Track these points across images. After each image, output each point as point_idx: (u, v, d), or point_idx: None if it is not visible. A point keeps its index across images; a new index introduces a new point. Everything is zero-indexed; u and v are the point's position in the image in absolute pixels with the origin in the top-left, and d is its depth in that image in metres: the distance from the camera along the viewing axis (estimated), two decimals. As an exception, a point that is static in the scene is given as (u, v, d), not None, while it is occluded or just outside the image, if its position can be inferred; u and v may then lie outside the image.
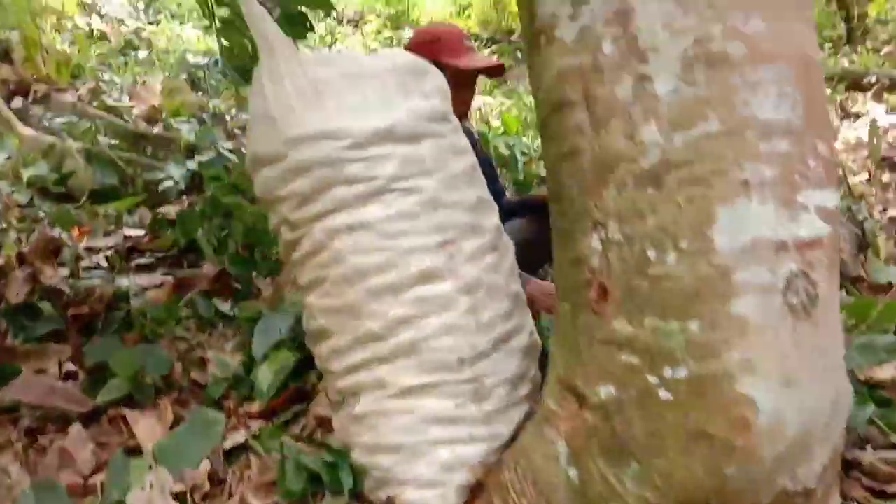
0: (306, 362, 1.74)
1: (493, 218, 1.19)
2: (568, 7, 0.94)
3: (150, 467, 1.39)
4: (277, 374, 1.72)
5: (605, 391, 0.94)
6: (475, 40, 7.21)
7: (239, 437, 1.51)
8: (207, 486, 1.37)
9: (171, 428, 1.55)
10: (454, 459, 1.10)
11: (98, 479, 1.42)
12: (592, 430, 0.96)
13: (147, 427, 1.54)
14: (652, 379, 0.88)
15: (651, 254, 0.88)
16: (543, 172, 3.21)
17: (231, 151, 3.24)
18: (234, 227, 2.52)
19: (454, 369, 1.10)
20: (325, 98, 1.08)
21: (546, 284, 1.76)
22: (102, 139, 2.87)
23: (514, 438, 1.16)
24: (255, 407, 1.67)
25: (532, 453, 1.06)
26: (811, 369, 0.86)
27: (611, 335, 0.94)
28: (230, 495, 1.34)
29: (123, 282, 2.24)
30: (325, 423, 1.57)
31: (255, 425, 1.58)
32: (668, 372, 0.87)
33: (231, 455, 1.48)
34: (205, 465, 1.41)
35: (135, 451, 1.49)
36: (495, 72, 1.93)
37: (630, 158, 0.89)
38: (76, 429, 1.54)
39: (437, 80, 1.20)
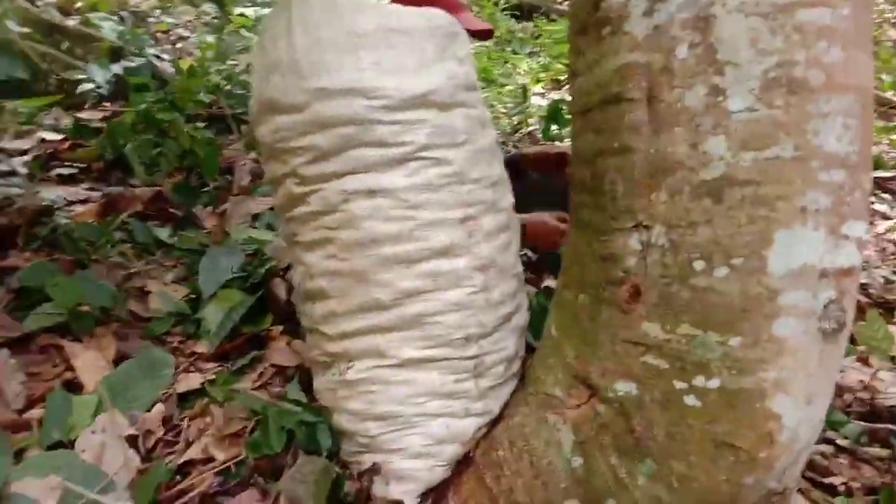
0: (259, 306, 1.67)
1: (509, 196, 1.17)
2: (643, 2, 0.92)
3: (98, 407, 1.30)
4: (228, 314, 1.64)
5: (625, 388, 0.96)
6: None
7: (192, 381, 1.43)
8: (161, 432, 1.30)
9: (115, 364, 1.44)
10: (447, 433, 1.10)
11: (33, 414, 1.31)
12: (605, 424, 0.98)
13: (88, 361, 1.43)
14: (679, 384, 0.91)
15: (698, 265, 0.89)
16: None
17: (158, 58, 2.99)
18: (168, 146, 2.35)
19: (459, 346, 1.09)
20: (362, 52, 1.00)
21: (546, 217, 1.73)
22: (12, 26, 2.56)
23: (500, 415, 1.17)
24: (201, 347, 1.59)
25: (531, 436, 1.07)
26: (827, 388, 0.91)
27: (638, 336, 0.95)
28: (188, 443, 1.28)
29: (45, 193, 2.04)
30: (282, 373, 1.53)
31: (206, 369, 1.51)
32: (699, 380, 0.89)
33: (183, 399, 1.40)
34: (157, 410, 1.33)
35: (74, 386, 1.38)
36: (484, 35, 1.86)
37: (690, 168, 0.89)
38: (3, 356, 1.41)
39: (468, 45, 1.14)
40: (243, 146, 2.48)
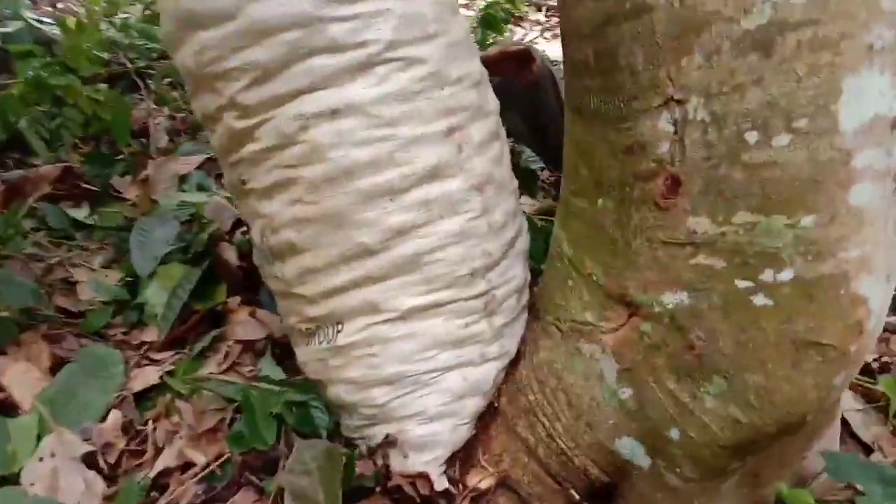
0: (208, 278, 1.46)
1: (493, 97, 0.98)
2: None
3: (40, 427, 1.08)
4: (173, 293, 1.43)
5: (674, 299, 0.81)
6: None
7: (148, 375, 1.22)
8: (123, 443, 1.10)
9: (52, 373, 1.22)
10: (465, 385, 0.94)
11: (-38, 449, 1.08)
12: (655, 344, 0.83)
13: (18, 375, 1.20)
14: (742, 284, 0.76)
15: (751, 136, 0.73)
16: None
17: (40, 22, 2.62)
18: (67, 115, 2.05)
19: (465, 283, 0.92)
20: None
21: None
22: None
23: (517, 354, 1.01)
24: (150, 336, 1.37)
25: (563, 372, 0.92)
26: (901, 259, 0.77)
27: (683, 235, 0.79)
28: (158, 450, 1.08)
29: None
30: (250, 349, 1.33)
31: (162, 359, 1.30)
32: (767, 275, 0.74)
33: (141, 400, 1.20)
34: (114, 417, 1.13)
35: (6, 407, 1.16)
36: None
37: (727, 18, 0.72)
38: None
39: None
40: (153, 103, 2.19)
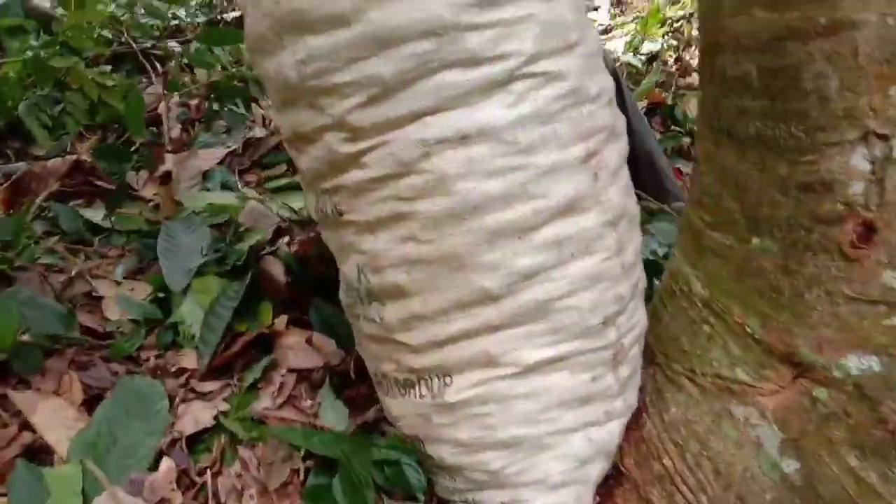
0: (248, 294, 1.31)
1: (621, 114, 0.84)
2: None
3: (82, 480, 0.95)
4: (212, 311, 1.29)
5: (861, 364, 0.69)
6: None
7: (198, 414, 1.09)
8: (180, 499, 0.96)
9: (86, 408, 1.08)
10: (589, 448, 0.82)
11: (-12, 503, 0.95)
12: (833, 414, 0.71)
13: (50, 412, 1.06)
14: (957, 352, 0.65)
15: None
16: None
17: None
18: (71, 100, 1.87)
19: (595, 333, 0.79)
20: None
21: None
22: None
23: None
24: (188, 360, 1.23)
25: (707, 435, 0.80)
26: None
27: (876, 291, 0.68)
28: (220, 506, 0.95)
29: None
30: (306, 379, 1.20)
31: (209, 392, 1.16)
32: None
33: (192, 442, 1.06)
34: (166, 466, 0.99)
35: (39, 451, 1.02)
36: None
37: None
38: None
39: None
40: (164, 88, 2.01)
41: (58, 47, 1.89)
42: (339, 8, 0.65)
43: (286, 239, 1.38)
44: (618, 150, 0.80)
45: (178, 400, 1.11)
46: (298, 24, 0.67)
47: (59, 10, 1.99)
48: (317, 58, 0.68)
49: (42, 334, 1.15)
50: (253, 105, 2.08)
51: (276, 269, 1.30)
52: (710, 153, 0.82)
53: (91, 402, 1.10)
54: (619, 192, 0.80)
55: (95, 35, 2.03)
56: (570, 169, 0.73)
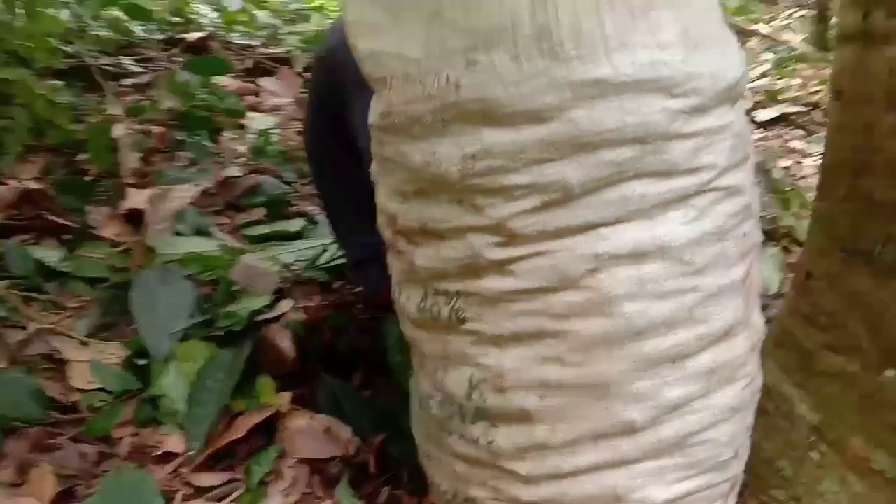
0: (248, 362, 1.15)
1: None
2: None
3: None
4: (201, 383, 1.12)
5: None
6: None
7: (200, 514, 0.92)
8: None
9: (61, 508, 0.89)
10: None
11: None
12: None
13: (18, 516, 0.87)
14: None
15: None
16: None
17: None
18: (15, 117, 1.65)
19: (724, 466, 0.71)
20: (662, 11, 0.55)
21: None
22: None
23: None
24: (174, 443, 1.06)
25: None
26: None
27: None
28: None
29: None
30: (319, 472, 1.05)
31: (207, 484, 0.99)
32: None
33: (195, 552, 0.90)
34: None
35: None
36: None
37: None
38: None
39: None
40: (123, 110, 1.80)
41: (6, 55, 1.66)
42: (540, 103, 0.55)
43: (290, 303, 1.23)
44: (758, 267, 0.74)
45: (170, 496, 0.94)
46: (481, 115, 0.56)
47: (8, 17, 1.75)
48: (492, 154, 0.57)
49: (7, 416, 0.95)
50: (220, 137, 1.91)
51: (284, 340, 1.15)
52: (836, 273, 0.77)
53: (64, 497, 0.92)
54: (759, 314, 0.73)
55: (53, 47, 1.80)
56: (733, 291, 0.66)
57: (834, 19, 4.49)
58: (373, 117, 0.67)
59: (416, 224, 0.65)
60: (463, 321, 0.66)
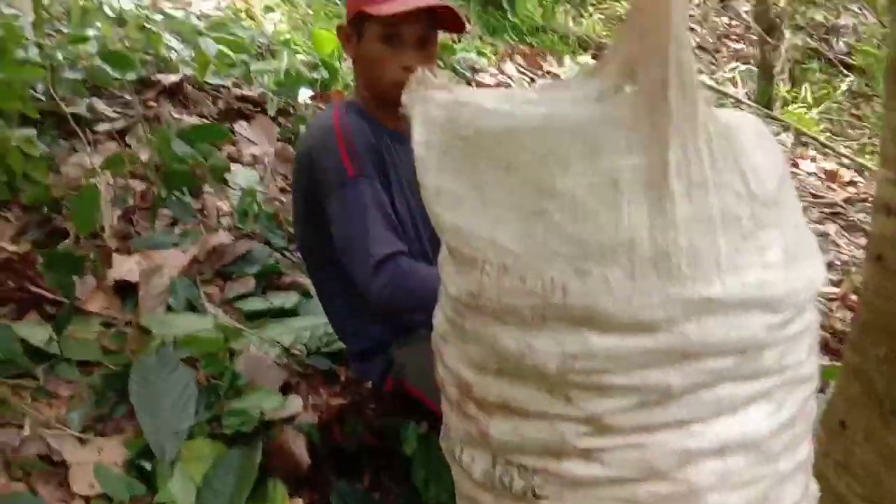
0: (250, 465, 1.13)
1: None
2: None
3: None
4: (210, 488, 1.09)
5: None
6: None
7: None
8: None
9: None
10: None
11: None
12: None
13: None
14: None
15: None
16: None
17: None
18: (-12, 172, 1.57)
19: None
20: (770, 231, 0.58)
21: None
22: None
23: None
24: (182, 554, 1.03)
25: None
26: None
27: None
28: None
29: None
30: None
31: None
32: None
33: None
34: None
35: None
36: (452, 25, 1.21)
37: None
38: None
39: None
40: (103, 164, 1.72)
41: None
42: (650, 317, 0.56)
43: (299, 402, 1.20)
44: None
45: None
46: (587, 320, 0.57)
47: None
48: (594, 357, 0.58)
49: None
50: (202, 194, 1.85)
51: (298, 445, 1.13)
52: (875, 430, 0.82)
53: None
54: (814, 480, 0.77)
55: (27, 94, 1.71)
56: (800, 471, 0.69)
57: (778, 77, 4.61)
58: (456, 291, 0.67)
59: (496, 399, 0.66)
60: (539, 497, 0.67)
